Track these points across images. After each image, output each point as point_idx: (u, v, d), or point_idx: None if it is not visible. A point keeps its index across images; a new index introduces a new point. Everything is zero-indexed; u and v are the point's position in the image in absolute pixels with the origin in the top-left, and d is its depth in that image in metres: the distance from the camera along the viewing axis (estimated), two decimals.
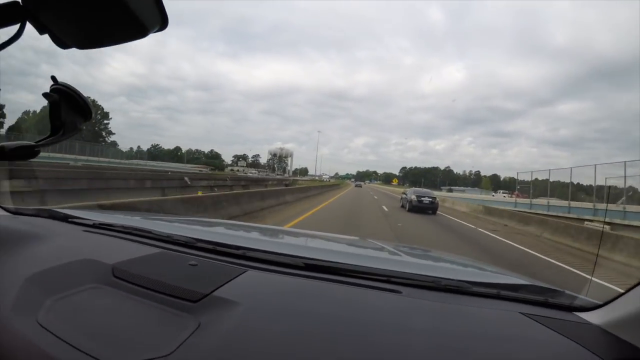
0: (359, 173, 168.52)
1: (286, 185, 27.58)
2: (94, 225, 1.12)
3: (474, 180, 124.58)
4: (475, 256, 3.48)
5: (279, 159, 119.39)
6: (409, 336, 0.60)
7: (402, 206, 15.33)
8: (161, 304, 0.64)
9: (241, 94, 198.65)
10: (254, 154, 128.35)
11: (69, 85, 0.58)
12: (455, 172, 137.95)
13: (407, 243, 4.61)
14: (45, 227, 1.06)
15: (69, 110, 0.58)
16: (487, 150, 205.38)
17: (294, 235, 1.81)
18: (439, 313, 0.69)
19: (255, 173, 78.90)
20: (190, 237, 0.99)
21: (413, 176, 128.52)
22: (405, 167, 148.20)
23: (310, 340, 0.58)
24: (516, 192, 25.06)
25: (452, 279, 0.82)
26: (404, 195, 15.99)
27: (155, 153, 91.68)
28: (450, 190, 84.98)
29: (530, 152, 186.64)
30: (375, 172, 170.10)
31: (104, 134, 72.47)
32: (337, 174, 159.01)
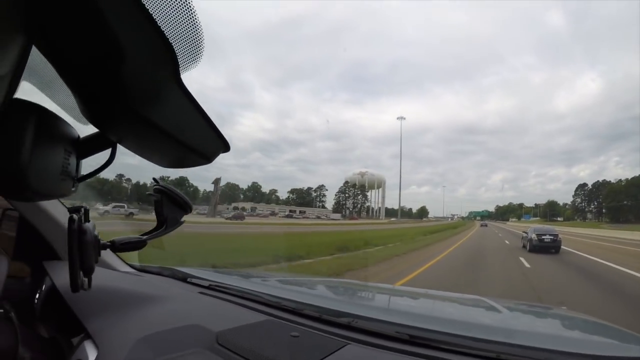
0: (498, 209, 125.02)
1: None
2: (209, 287, 1.21)
3: None
4: None
5: (360, 190, 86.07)
6: None
7: (523, 246, 14.82)
8: None
9: (370, 140, 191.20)
10: (321, 184, 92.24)
11: (169, 185, 0.69)
12: None
13: None
14: (164, 288, 1.17)
15: (170, 206, 0.68)
16: (637, 169, 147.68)
17: (405, 296, 1.71)
18: None
19: None
20: (297, 302, 1.03)
21: (616, 197, 69.18)
22: (585, 186, 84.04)
23: None
24: None
25: (571, 354, 0.70)
26: (524, 234, 15.51)
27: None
28: None
29: None
30: (521, 205, 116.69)
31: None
32: (470, 212, 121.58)
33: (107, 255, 1.24)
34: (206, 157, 0.53)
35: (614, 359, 0.69)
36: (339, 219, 61.48)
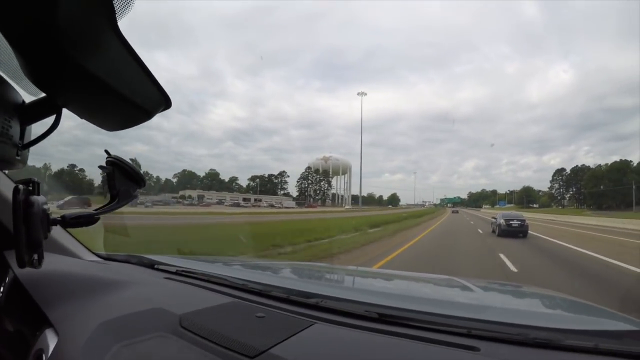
0: (471, 196, 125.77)
1: None
2: (176, 272, 1.19)
3: None
4: None
5: (324, 175, 77.40)
6: None
7: (493, 231, 15.24)
8: (220, 358, 0.64)
9: (344, 128, 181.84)
10: (282, 170, 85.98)
11: (121, 157, 0.65)
12: None
13: None
14: (129, 275, 1.15)
15: (123, 179, 0.64)
16: (607, 157, 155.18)
17: (376, 278, 1.72)
18: None
19: None
20: (264, 284, 1.01)
21: (597, 182, 64.23)
22: (563, 171, 78.05)
23: None
24: None
25: (542, 328, 0.68)
26: (493, 220, 15.97)
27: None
28: None
29: None
30: (494, 192, 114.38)
31: None
32: (441, 199, 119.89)
33: (72, 243, 1.24)
34: (147, 113, 0.51)
35: (585, 332, 0.67)
36: (293, 207, 54.09)
